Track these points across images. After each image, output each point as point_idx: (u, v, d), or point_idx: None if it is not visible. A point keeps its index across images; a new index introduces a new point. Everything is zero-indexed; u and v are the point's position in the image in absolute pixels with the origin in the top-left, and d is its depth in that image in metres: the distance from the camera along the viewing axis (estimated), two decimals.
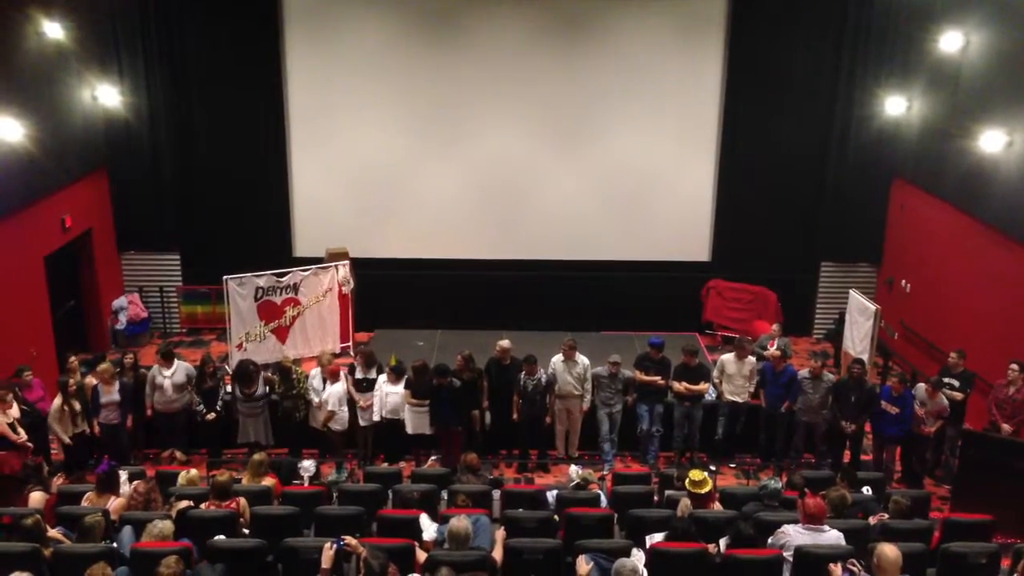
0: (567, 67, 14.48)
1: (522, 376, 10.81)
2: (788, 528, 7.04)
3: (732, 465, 11.34)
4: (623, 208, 15.03)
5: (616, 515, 7.91)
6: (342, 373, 10.95)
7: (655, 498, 8.66)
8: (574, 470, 8.81)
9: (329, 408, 10.62)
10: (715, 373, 11.24)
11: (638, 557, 6.71)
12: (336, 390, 10.70)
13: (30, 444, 9.57)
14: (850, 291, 12.95)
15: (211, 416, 10.82)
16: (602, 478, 9.79)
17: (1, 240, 11.37)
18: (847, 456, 10.92)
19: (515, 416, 10.99)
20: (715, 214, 15.05)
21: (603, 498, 8.43)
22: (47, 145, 12.01)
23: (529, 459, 11.33)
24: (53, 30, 12.16)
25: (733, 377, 11.13)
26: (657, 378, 10.96)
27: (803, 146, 14.56)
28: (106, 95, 13.81)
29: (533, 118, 14.73)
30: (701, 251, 15.24)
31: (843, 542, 6.94)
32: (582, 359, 10.98)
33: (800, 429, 11.00)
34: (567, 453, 11.33)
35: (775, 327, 12.31)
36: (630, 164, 14.85)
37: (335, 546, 6.15)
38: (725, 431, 11.25)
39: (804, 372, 10.95)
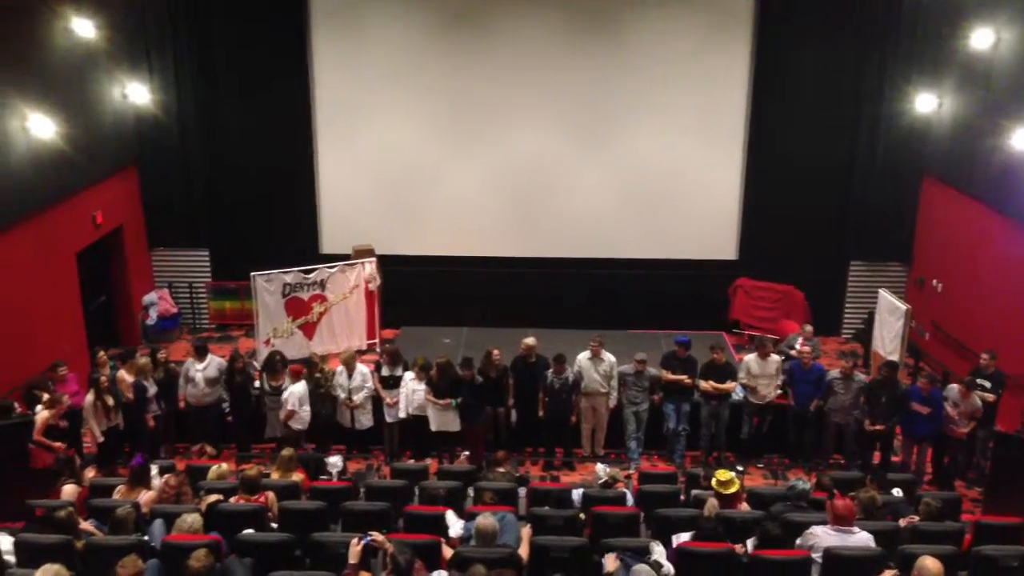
0: (593, 64, 14.45)
1: (549, 374, 10.82)
2: (817, 529, 6.99)
3: (760, 465, 11.27)
4: (650, 206, 14.97)
5: (642, 514, 7.89)
6: (348, 370, 11.03)
7: (681, 497, 8.63)
8: (601, 468, 8.78)
9: (289, 407, 10.57)
10: (741, 374, 11.16)
11: (659, 552, 6.69)
12: (296, 389, 10.63)
13: (60, 445, 9.66)
14: (880, 290, 12.82)
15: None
16: (628, 477, 9.76)
17: (34, 236, 11.54)
18: (877, 457, 10.82)
19: (541, 414, 11.00)
20: (742, 212, 14.96)
21: (629, 497, 8.41)
22: (78, 142, 12.17)
23: (555, 457, 11.33)
24: (84, 28, 12.29)
25: (759, 377, 11.06)
26: (683, 377, 10.91)
27: (832, 144, 14.42)
28: (136, 93, 13.94)
29: (559, 116, 14.71)
30: (728, 249, 15.16)
31: (873, 544, 6.88)
32: (608, 357, 10.97)
33: (830, 429, 10.92)
34: (593, 451, 11.33)
35: (806, 327, 12.21)
36: (657, 161, 14.79)
37: (362, 541, 6.18)
38: (752, 430, 11.18)
39: (835, 372, 10.86)
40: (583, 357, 11.00)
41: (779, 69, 14.22)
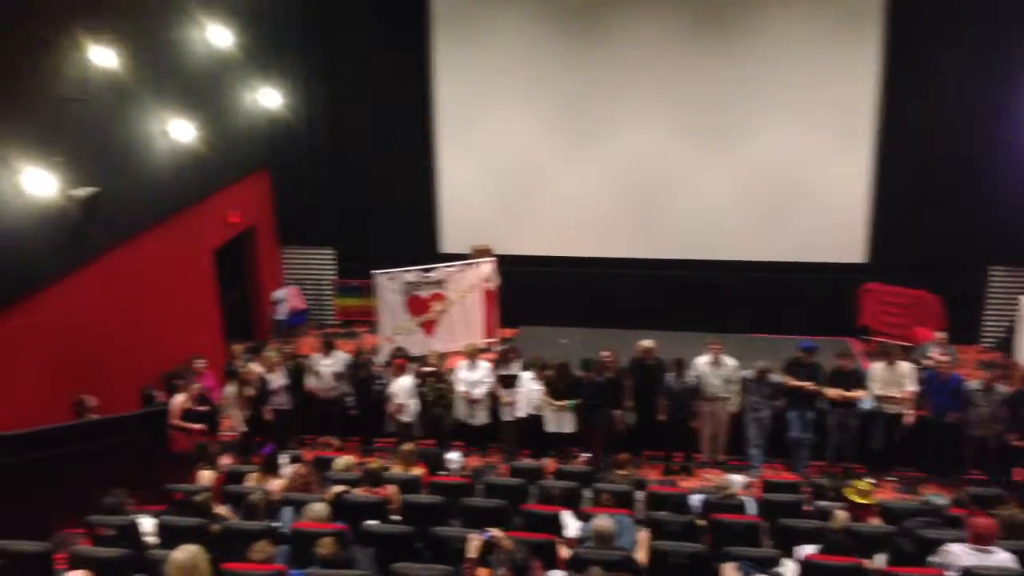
0: (714, 63, 14.14)
1: (670, 377, 10.68)
2: (953, 547, 6.65)
3: (891, 478, 10.78)
4: (771, 207, 14.54)
5: (765, 523, 7.69)
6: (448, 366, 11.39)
7: (806, 508, 8.36)
8: (735, 479, 8.50)
9: (398, 401, 10.76)
10: (875, 385, 10.65)
11: (789, 567, 6.49)
12: (404, 383, 10.80)
13: (199, 427, 10.16)
14: (1021, 297, 12.08)
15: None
16: (749, 485, 9.53)
17: (175, 234, 12.18)
18: (1020, 474, 10.20)
19: (661, 417, 10.86)
20: (872, 213, 14.33)
21: (751, 505, 8.21)
22: (216, 146, 12.74)
23: (673, 461, 11.18)
24: (221, 36, 12.82)
25: (888, 385, 10.58)
26: (808, 384, 10.57)
27: (969, 141, 13.58)
28: (269, 98, 14.50)
29: (678, 114, 14.49)
30: (855, 252, 14.56)
31: (1014, 565, 6.50)
32: (729, 361, 10.76)
33: (969, 443, 10.36)
34: (713, 457, 11.12)
35: (941, 334, 11.61)
36: (780, 162, 14.34)
37: (482, 537, 6.25)
38: (884, 441, 10.71)
39: (975, 383, 10.31)
40: (702, 361, 10.82)
41: (912, 63, 13.52)
